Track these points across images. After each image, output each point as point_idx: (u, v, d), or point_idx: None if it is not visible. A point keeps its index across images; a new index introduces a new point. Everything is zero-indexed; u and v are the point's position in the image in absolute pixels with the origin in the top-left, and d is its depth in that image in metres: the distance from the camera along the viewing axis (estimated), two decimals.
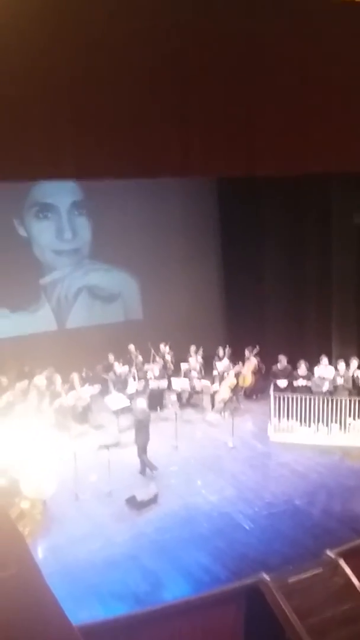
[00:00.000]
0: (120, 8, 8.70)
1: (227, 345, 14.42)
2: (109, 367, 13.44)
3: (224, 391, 13.27)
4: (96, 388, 12.87)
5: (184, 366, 13.81)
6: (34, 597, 2.08)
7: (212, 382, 13.55)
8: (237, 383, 13.53)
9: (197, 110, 9.47)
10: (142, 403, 11.71)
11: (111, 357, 13.56)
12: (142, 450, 10.95)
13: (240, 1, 8.86)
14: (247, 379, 13.83)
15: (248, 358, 14.00)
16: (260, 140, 10.01)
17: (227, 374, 13.54)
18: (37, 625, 1.89)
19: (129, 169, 9.74)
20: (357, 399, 12.14)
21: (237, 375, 13.58)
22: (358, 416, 12.07)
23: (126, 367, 13.40)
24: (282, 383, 12.65)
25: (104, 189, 13.59)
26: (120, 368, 13.31)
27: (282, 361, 12.95)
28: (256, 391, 13.91)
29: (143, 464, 10.95)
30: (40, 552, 8.68)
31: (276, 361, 13.11)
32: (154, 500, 10.08)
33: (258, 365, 13.96)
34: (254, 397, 13.88)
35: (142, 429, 10.93)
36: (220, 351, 14.26)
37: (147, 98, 9.00)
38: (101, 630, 7.42)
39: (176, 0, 8.76)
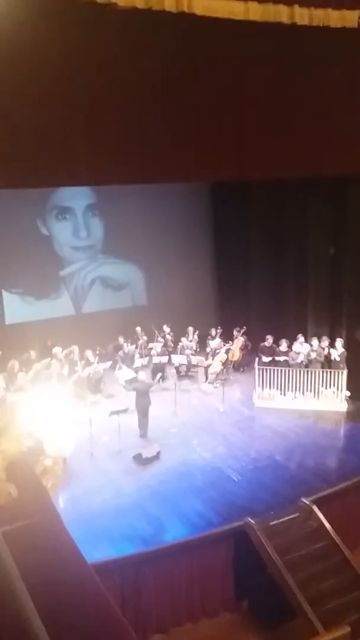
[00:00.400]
0: (128, 42, 8.63)
1: (219, 326, 14.37)
2: (119, 346, 13.43)
3: (215, 365, 13.28)
4: (108, 363, 12.83)
5: (182, 344, 13.80)
6: (55, 540, 2.10)
7: (206, 358, 13.52)
8: (227, 358, 13.53)
9: (192, 126, 9.41)
10: (142, 375, 11.77)
11: (121, 339, 13.53)
12: (143, 414, 10.91)
13: (230, 33, 8.76)
14: (236, 355, 13.83)
15: (236, 337, 13.98)
16: (246, 151, 9.97)
17: (219, 350, 13.52)
18: (57, 563, 1.92)
19: (134, 176, 9.70)
20: (328, 370, 12.17)
21: (227, 351, 13.57)
22: (329, 385, 12.10)
23: (133, 346, 13.40)
24: (267, 358, 12.63)
25: (113, 193, 13.51)
26: (128, 346, 13.30)
27: (269, 340, 12.90)
28: (243, 365, 13.91)
29: (144, 427, 10.92)
30: (61, 502, 8.72)
31: (261, 340, 13.07)
32: (156, 457, 10.13)
33: (244, 343, 13.96)
34: (241, 369, 13.88)
35: (142, 396, 10.91)
36: (213, 331, 14.21)
37: (150, 117, 8.94)
38: (113, 567, 7.50)
39: (176, 35, 8.66)
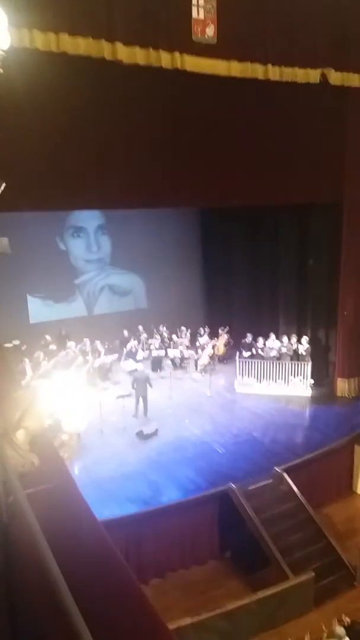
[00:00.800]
0: (132, 92, 8.67)
1: (206, 326, 14.37)
2: (125, 340, 13.40)
3: (204, 358, 13.25)
4: (115, 356, 12.81)
5: (176, 340, 13.78)
6: (70, 502, 2.09)
7: (196, 352, 13.52)
8: (213, 352, 13.52)
9: (184, 162, 9.46)
10: (140, 366, 11.74)
11: (125, 332, 13.50)
12: (142, 399, 10.81)
13: (216, 86, 8.79)
14: (220, 349, 13.80)
15: (221, 334, 13.96)
16: (228, 183, 10.00)
17: (206, 345, 13.52)
18: (71, 522, 1.91)
19: (137, 202, 9.73)
20: (296, 362, 12.19)
21: (213, 346, 13.56)
22: (296, 375, 12.11)
23: (135, 341, 13.37)
24: (247, 353, 12.63)
25: (119, 216, 13.50)
26: (132, 341, 13.29)
27: (249, 337, 12.90)
28: (226, 357, 13.88)
29: (145, 408, 10.86)
30: (76, 470, 8.69)
31: (242, 337, 13.06)
32: (155, 433, 10.11)
33: (228, 340, 13.94)
34: (225, 361, 13.84)
35: (141, 384, 10.86)
36: (202, 330, 14.20)
37: (149, 155, 8.99)
38: (119, 524, 7.46)
39: (171, 87, 8.70)
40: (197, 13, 8.26)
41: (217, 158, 9.73)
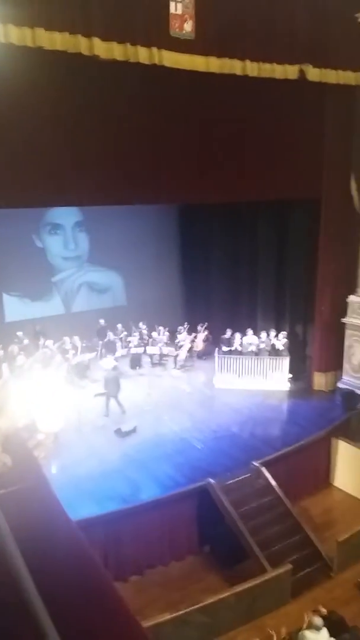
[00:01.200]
0: (110, 88, 8.60)
1: (185, 323, 14.38)
2: (103, 331, 13.29)
3: (183, 354, 13.28)
4: (93, 354, 12.72)
5: (155, 337, 13.76)
6: (43, 502, 2.07)
7: (175, 349, 13.52)
8: (192, 348, 13.56)
9: (163, 159, 9.42)
10: (116, 363, 11.61)
11: (102, 321, 13.42)
12: (114, 396, 10.69)
13: (193, 82, 8.79)
14: (199, 346, 13.84)
15: (200, 331, 14.00)
16: (207, 180, 10.01)
17: (185, 342, 13.54)
18: (44, 522, 1.89)
19: (115, 199, 9.67)
20: (274, 358, 12.29)
21: (192, 343, 13.60)
22: (274, 370, 12.19)
23: (115, 339, 13.30)
24: (226, 348, 12.67)
25: (97, 212, 13.38)
26: (112, 336, 13.21)
27: (227, 333, 12.95)
28: (205, 354, 13.89)
29: (120, 407, 10.74)
30: (53, 470, 8.64)
31: (221, 333, 13.11)
32: (134, 430, 10.05)
33: (207, 336, 13.98)
34: (204, 358, 13.85)
35: (111, 383, 10.75)
36: (180, 327, 14.24)
37: (128, 151, 8.95)
38: (97, 522, 7.44)
39: (150, 83, 8.66)
40: (175, 8, 8.20)
41: (196, 154, 9.73)
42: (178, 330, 14.15)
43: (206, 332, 13.99)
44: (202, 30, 8.34)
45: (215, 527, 8.35)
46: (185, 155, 9.56)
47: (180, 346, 13.45)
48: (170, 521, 8.23)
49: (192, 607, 6.51)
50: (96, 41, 7.50)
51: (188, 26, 8.32)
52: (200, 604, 6.59)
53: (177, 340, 13.77)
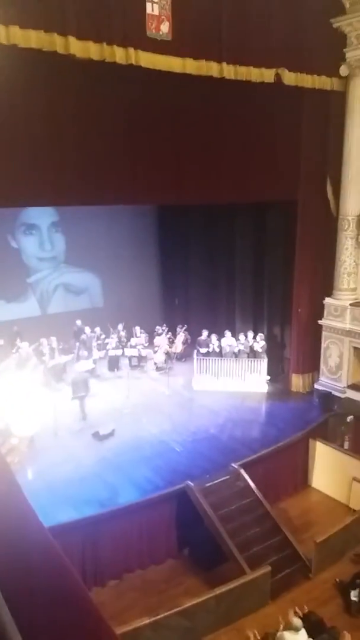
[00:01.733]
0: (86, 87, 8.55)
1: (164, 324, 14.38)
2: (79, 331, 13.17)
3: (161, 356, 13.26)
4: (70, 356, 12.60)
5: (133, 340, 13.71)
6: (15, 508, 2.03)
7: (154, 351, 13.50)
8: (171, 350, 13.55)
9: (141, 159, 9.41)
10: (79, 367, 11.51)
11: (78, 322, 13.30)
12: (80, 400, 10.62)
13: (171, 83, 8.80)
14: (178, 348, 13.83)
15: (179, 333, 14.01)
16: (185, 181, 10.03)
17: (163, 344, 13.52)
18: (14, 529, 1.85)
19: (92, 199, 9.61)
20: (252, 360, 12.37)
21: (170, 345, 13.60)
22: (253, 371, 12.28)
23: (92, 341, 13.20)
24: (203, 350, 12.73)
25: (74, 212, 13.29)
26: (87, 341, 13.10)
27: (204, 334, 13.00)
28: (184, 356, 13.91)
29: (82, 410, 10.62)
30: (29, 474, 8.53)
31: (199, 335, 13.17)
32: (112, 434, 10.00)
33: (185, 338, 14.00)
34: (183, 360, 13.86)
35: (79, 385, 10.66)
36: (159, 329, 14.22)
37: (105, 151, 8.92)
38: (75, 527, 7.39)
39: (126, 83, 8.64)
40: (152, 9, 8.20)
41: (174, 156, 9.76)
42: (156, 331, 14.12)
43: (185, 334, 14.00)
44: (179, 31, 8.37)
45: (194, 529, 8.36)
46: (163, 156, 9.58)
47: (160, 348, 13.42)
48: (149, 525, 8.21)
49: (172, 611, 6.50)
50: (72, 40, 7.45)
51: (165, 27, 8.34)
52: (180, 608, 6.58)
53: (156, 342, 13.74)
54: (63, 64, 7.75)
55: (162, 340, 13.66)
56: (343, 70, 10.36)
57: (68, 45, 7.47)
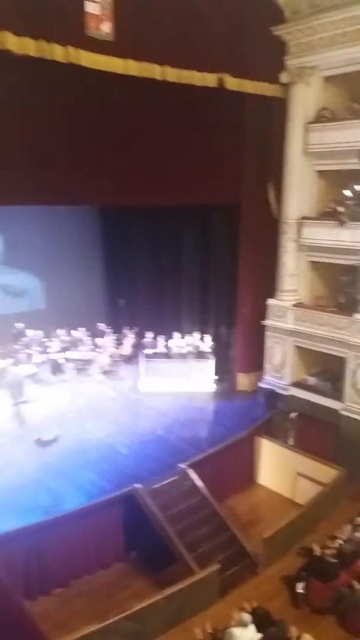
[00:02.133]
0: (30, 85, 8.37)
1: (110, 326, 14.25)
2: (19, 333, 12.81)
3: (106, 358, 13.12)
4: (9, 361, 12.20)
5: (77, 342, 13.49)
6: None
7: (99, 353, 13.34)
8: (118, 352, 13.43)
9: (81, 161, 9.31)
10: (14, 368, 11.29)
11: (19, 325, 12.96)
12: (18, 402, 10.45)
13: (113, 84, 8.81)
14: (126, 349, 13.75)
15: (126, 335, 13.95)
16: (128, 182, 10.03)
17: (107, 346, 13.39)
18: None
19: (32, 199, 9.40)
20: (199, 360, 12.49)
21: (117, 347, 13.49)
22: (200, 371, 12.39)
23: (33, 344, 12.88)
24: (149, 351, 12.72)
25: (11, 212, 12.86)
26: (27, 345, 12.77)
27: (149, 335, 13.00)
28: (132, 357, 13.86)
29: (17, 412, 10.43)
30: None
31: (145, 336, 13.16)
32: (55, 440, 9.80)
33: (133, 340, 13.93)
34: (132, 362, 13.82)
35: (14, 388, 10.49)
36: (104, 330, 14.07)
37: (46, 151, 8.79)
38: (17, 536, 7.20)
39: (68, 82, 8.56)
40: (92, 8, 8.17)
41: (118, 156, 9.73)
42: (102, 334, 13.97)
43: (133, 336, 13.92)
44: (121, 32, 8.39)
45: (142, 532, 8.33)
46: (104, 157, 9.53)
47: (105, 350, 13.29)
48: (96, 530, 8.11)
49: (120, 615, 6.44)
50: (9, 36, 7.28)
51: (106, 27, 8.33)
52: (129, 611, 6.53)
53: (99, 344, 13.59)
54: None
55: (106, 342, 13.53)
56: (284, 78, 10.75)
57: (5, 41, 7.29)
